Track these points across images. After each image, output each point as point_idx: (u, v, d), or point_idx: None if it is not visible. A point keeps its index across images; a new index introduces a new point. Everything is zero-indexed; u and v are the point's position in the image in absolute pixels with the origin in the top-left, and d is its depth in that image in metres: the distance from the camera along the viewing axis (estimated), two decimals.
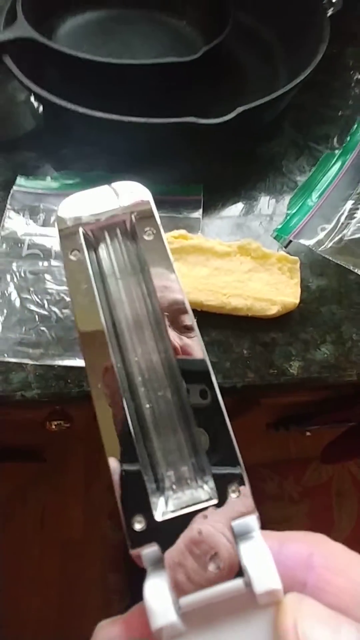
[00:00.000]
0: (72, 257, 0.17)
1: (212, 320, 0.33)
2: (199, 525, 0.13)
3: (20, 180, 0.41)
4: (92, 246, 0.18)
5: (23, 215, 0.39)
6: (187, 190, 0.39)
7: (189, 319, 0.16)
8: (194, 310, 0.18)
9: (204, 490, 0.14)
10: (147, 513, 0.14)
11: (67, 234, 0.17)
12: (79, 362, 0.32)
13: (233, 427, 0.15)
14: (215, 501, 0.14)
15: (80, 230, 0.17)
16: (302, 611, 0.12)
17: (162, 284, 0.17)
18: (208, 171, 0.40)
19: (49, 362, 0.32)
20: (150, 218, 0.18)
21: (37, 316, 0.34)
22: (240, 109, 0.34)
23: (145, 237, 0.17)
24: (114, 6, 0.49)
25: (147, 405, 0.16)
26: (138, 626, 0.13)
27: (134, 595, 0.72)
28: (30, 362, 0.32)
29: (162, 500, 0.14)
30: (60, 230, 0.17)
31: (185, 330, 0.16)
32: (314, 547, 0.14)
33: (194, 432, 0.15)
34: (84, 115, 0.35)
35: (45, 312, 0.34)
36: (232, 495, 0.14)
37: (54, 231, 0.38)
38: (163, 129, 0.34)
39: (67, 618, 0.76)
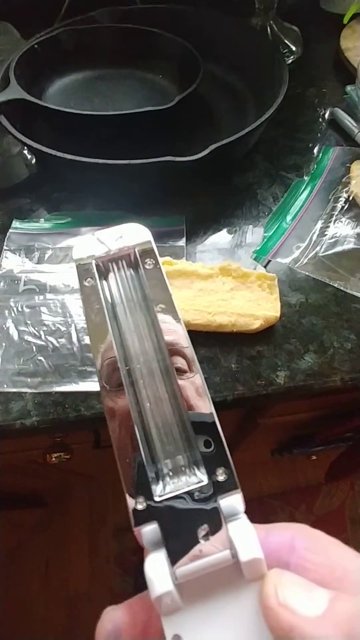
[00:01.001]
0: (86, 284, 0.20)
1: (200, 339, 0.35)
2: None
3: (15, 223, 0.44)
4: (103, 275, 0.21)
5: (19, 255, 0.42)
6: (170, 222, 0.42)
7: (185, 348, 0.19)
8: None
9: (197, 477, 0.16)
10: (148, 495, 0.15)
11: (82, 265, 0.21)
12: (76, 387, 0.33)
13: (237, 459, 0.17)
14: (205, 481, 0.16)
15: (93, 262, 0.21)
16: (282, 580, 0.13)
17: (162, 319, 0.19)
18: (189, 203, 0.43)
19: (46, 389, 0.33)
20: (150, 252, 0.21)
21: (34, 347, 0.36)
22: (212, 147, 0.38)
23: (147, 267, 0.21)
24: (96, 67, 0.55)
25: (148, 404, 0.18)
26: (140, 609, 0.15)
27: None
28: (28, 390, 0.33)
29: (160, 485, 0.16)
30: (76, 262, 0.21)
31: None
32: (296, 532, 0.15)
33: (189, 428, 0.17)
34: (72, 162, 0.39)
35: (42, 342, 0.36)
36: (220, 478, 0.16)
37: (48, 267, 0.40)
38: (144, 168, 0.38)
39: None
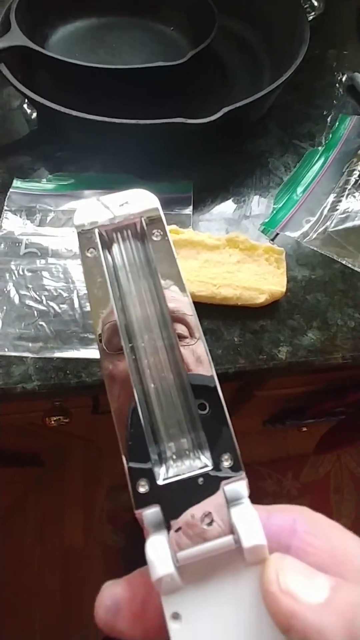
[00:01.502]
0: (88, 254, 0.19)
1: (203, 311, 0.34)
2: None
3: (16, 182, 0.42)
4: (106, 245, 0.20)
5: (20, 216, 0.40)
6: (177, 189, 0.41)
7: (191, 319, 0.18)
8: None
9: (201, 461, 0.16)
10: (150, 478, 0.15)
11: (84, 234, 0.19)
12: (77, 354, 0.33)
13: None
14: (209, 467, 0.15)
15: (96, 230, 0.19)
16: (284, 565, 0.13)
17: (169, 293, 0.18)
18: (197, 169, 0.42)
19: (48, 354, 0.33)
20: (158, 222, 0.19)
21: (35, 312, 0.35)
22: (225, 109, 0.36)
23: (154, 238, 0.19)
24: (104, 15, 0.51)
25: (152, 385, 0.17)
26: (139, 585, 0.15)
27: None
28: (30, 355, 0.33)
29: (163, 468, 0.16)
30: (78, 230, 0.19)
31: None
32: (297, 515, 0.15)
33: (194, 410, 0.17)
34: (77, 119, 0.37)
35: (44, 308, 0.35)
36: (225, 464, 0.15)
37: (50, 231, 0.39)
38: (153, 129, 0.36)
39: (69, 628, 0.76)
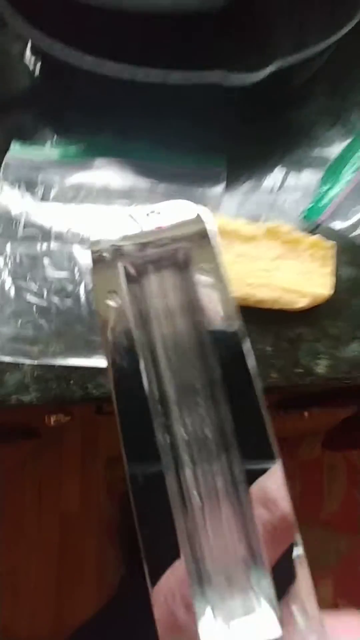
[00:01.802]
0: (110, 303, 0.13)
1: None
2: None
3: (15, 146, 0.36)
4: (134, 281, 0.14)
5: (18, 189, 0.34)
6: (207, 162, 0.34)
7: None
8: None
9: (258, 599, 0.12)
10: None
11: (102, 269, 0.14)
12: (83, 362, 0.28)
13: None
14: (278, 633, 0.11)
15: (120, 265, 0.14)
16: None
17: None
18: (231, 140, 0.35)
19: (48, 361, 0.28)
20: (207, 251, 0.14)
21: (34, 307, 0.30)
22: (278, 64, 0.29)
23: (202, 277, 0.14)
24: None
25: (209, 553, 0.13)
26: None
27: (128, 566, 0.73)
28: (27, 361, 0.28)
29: (208, 609, 0.12)
30: (94, 262, 0.14)
31: None
32: None
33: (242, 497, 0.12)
34: (88, 74, 0.30)
35: (44, 303, 0.30)
36: (300, 621, 0.11)
37: (54, 208, 0.33)
38: (184, 86, 0.29)
39: (64, 586, 0.79)
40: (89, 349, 0.29)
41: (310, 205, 0.33)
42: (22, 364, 0.28)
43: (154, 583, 0.12)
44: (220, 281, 0.14)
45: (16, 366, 0.28)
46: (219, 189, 0.33)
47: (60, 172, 0.35)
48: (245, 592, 0.12)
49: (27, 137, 0.36)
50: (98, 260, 0.14)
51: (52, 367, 0.28)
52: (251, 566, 0.13)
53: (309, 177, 0.34)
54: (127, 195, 0.34)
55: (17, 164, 0.35)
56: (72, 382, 0.28)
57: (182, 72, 0.28)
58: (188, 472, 0.13)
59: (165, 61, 0.29)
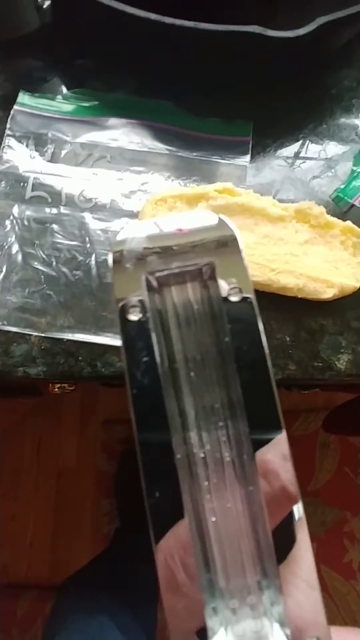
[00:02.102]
0: (131, 317, 0.13)
1: None
2: None
3: (23, 97, 0.32)
4: (154, 295, 0.14)
5: (27, 146, 0.31)
6: (233, 129, 0.31)
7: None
8: None
9: (270, 622, 0.12)
10: (201, 634, 0.12)
11: (125, 281, 0.13)
12: (92, 338, 0.27)
13: None
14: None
15: (144, 278, 0.14)
16: None
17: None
18: (260, 106, 0.32)
19: (56, 334, 0.27)
20: (237, 269, 0.14)
21: (42, 276, 0.28)
22: (320, 20, 0.26)
23: (231, 298, 0.14)
24: None
25: (213, 519, 0.13)
26: None
27: (123, 519, 0.75)
28: (34, 333, 0.27)
29: (222, 631, 0.12)
30: (115, 273, 0.14)
31: None
32: None
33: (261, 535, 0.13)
34: (110, 10, 0.26)
35: (53, 273, 0.28)
36: (300, 586, 0.12)
37: (65, 169, 0.31)
38: (216, 39, 0.26)
39: (61, 535, 0.82)
40: (99, 325, 0.27)
41: (343, 186, 0.30)
42: (30, 336, 0.27)
43: (157, 540, 0.13)
44: (249, 302, 0.14)
45: (23, 337, 0.27)
46: (244, 159, 0.31)
47: (71, 129, 0.32)
48: (258, 611, 0.12)
49: (36, 87, 0.33)
50: (119, 270, 0.14)
51: (61, 340, 0.27)
52: (263, 583, 0.13)
53: (343, 153, 0.32)
54: (143, 162, 0.31)
55: (25, 117, 0.32)
56: (80, 358, 0.27)
57: (214, 24, 0.25)
58: (194, 439, 0.14)
59: (184, 11, 0.26)
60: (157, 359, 0.13)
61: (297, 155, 0.32)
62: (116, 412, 0.86)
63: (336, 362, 0.27)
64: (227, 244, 0.14)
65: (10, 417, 0.88)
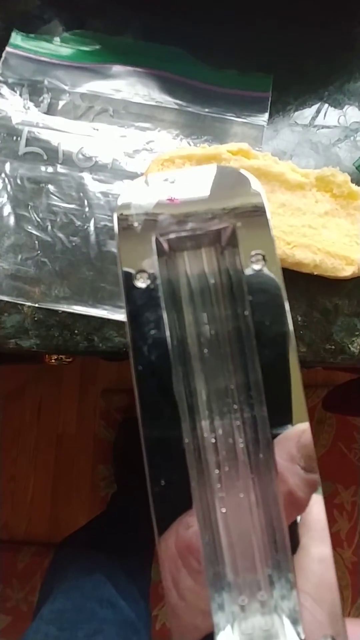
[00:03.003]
0: (138, 284, 0.11)
1: None
2: None
3: (16, 37, 0.29)
4: (165, 260, 0.12)
5: (20, 95, 0.28)
6: (250, 82, 0.28)
7: None
8: None
9: (280, 619, 0.11)
10: None
11: (132, 243, 0.12)
12: (89, 311, 0.25)
13: None
14: None
15: (154, 239, 0.12)
16: None
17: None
18: (281, 58, 0.28)
19: (51, 305, 0.25)
20: (262, 233, 0.12)
21: (37, 242, 0.26)
22: None
23: (253, 266, 0.12)
24: None
25: (223, 510, 0.12)
26: None
27: (119, 483, 0.76)
28: (27, 302, 0.25)
29: (228, 628, 0.11)
30: (121, 234, 0.12)
31: None
32: None
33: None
34: None
35: (48, 238, 0.26)
36: (312, 551, 0.11)
37: (62, 123, 0.28)
38: None
39: (60, 496, 0.84)
40: (97, 297, 0.25)
41: None
42: (22, 306, 0.25)
43: (161, 532, 0.11)
44: (275, 270, 0.12)
45: (15, 306, 0.25)
46: (262, 118, 0.28)
47: (70, 77, 0.28)
48: (268, 607, 0.11)
49: (31, 28, 0.29)
50: (126, 230, 0.12)
51: (55, 312, 0.25)
52: (274, 576, 0.12)
53: None
54: (149, 117, 0.28)
55: (18, 61, 0.29)
56: (76, 331, 0.25)
57: None
58: (205, 423, 0.12)
59: None
60: (167, 332, 0.12)
61: (318, 115, 0.28)
62: (115, 382, 0.86)
63: (350, 346, 0.26)
64: (251, 208, 0.12)
65: (11, 383, 0.88)
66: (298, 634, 0.11)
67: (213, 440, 0.12)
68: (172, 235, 0.12)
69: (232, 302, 0.12)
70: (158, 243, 0.12)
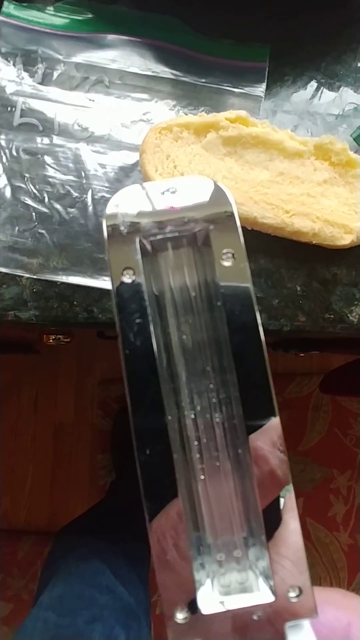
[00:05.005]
0: (125, 279, 0.13)
1: (263, 243, 0.25)
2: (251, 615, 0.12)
3: (8, 6, 0.28)
4: (149, 260, 0.14)
5: (14, 65, 0.28)
6: (247, 53, 0.28)
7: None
8: (243, 229, 0.14)
9: (255, 574, 0.13)
10: (192, 607, 0.12)
11: (119, 244, 0.14)
12: (88, 281, 0.25)
13: None
14: (271, 599, 0.12)
15: (137, 241, 0.14)
16: None
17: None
18: (278, 29, 0.28)
19: (49, 276, 0.25)
20: (231, 235, 0.14)
21: (34, 214, 0.26)
22: None
23: (224, 263, 0.14)
24: None
25: (202, 477, 0.14)
26: None
27: (118, 472, 0.77)
28: (25, 274, 0.25)
29: (208, 583, 0.13)
30: (109, 238, 0.14)
31: None
32: (352, 617, 0.14)
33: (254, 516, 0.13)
34: None
35: (45, 210, 0.26)
36: (292, 596, 0.12)
37: (57, 93, 0.27)
38: None
39: (59, 486, 0.85)
40: (95, 268, 0.25)
41: None
42: (21, 277, 0.25)
43: (151, 518, 0.13)
44: (242, 267, 0.14)
45: (14, 278, 0.25)
46: (259, 89, 0.27)
47: (64, 46, 0.28)
48: (243, 565, 0.13)
49: None
50: (113, 234, 0.14)
51: (54, 283, 0.25)
52: (249, 540, 0.13)
53: None
54: (146, 88, 0.28)
55: (11, 30, 0.28)
56: (75, 302, 0.25)
57: None
58: (185, 400, 0.14)
59: None
60: (150, 320, 0.13)
61: (316, 86, 0.28)
62: (112, 372, 0.86)
63: (348, 315, 0.26)
64: (223, 217, 0.14)
65: (7, 375, 0.88)
66: (270, 587, 0.12)
67: (193, 416, 0.14)
68: (154, 238, 0.14)
69: (208, 294, 0.14)
70: (142, 244, 0.14)
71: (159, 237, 0.14)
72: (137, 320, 0.13)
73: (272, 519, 0.13)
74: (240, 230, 0.14)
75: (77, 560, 0.43)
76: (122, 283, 0.14)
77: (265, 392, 0.13)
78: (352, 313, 0.26)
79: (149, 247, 0.14)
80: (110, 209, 0.14)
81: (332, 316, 0.26)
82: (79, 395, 0.87)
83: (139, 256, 0.14)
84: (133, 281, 0.14)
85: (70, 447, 0.86)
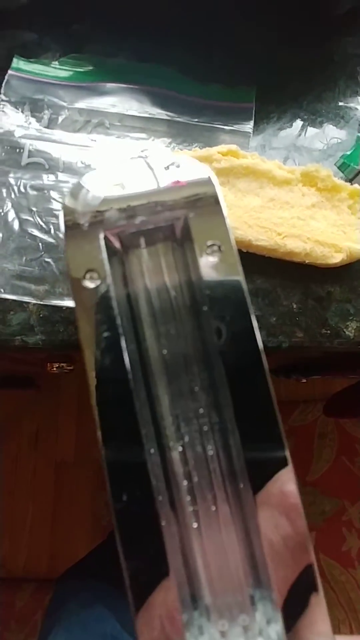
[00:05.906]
0: (87, 284, 0.11)
1: (258, 265, 0.27)
2: None
3: (18, 62, 0.31)
4: (118, 259, 0.11)
5: (22, 111, 0.30)
6: (235, 95, 0.30)
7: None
8: (239, 251, 0.12)
9: None
10: None
11: (78, 240, 0.11)
12: None
13: None
14: None
15: (102, 236, 0.11)
16: None
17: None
18: (263, 72, 0.31)
19: (55, 302, 0.26)
20: (216, 223, 0.11)
21: (40, 244, 0.27)
22: None
23: (209, 258, 0.11)
24: None
25: (195, 525, 0.11)
26: None
27: None
28: (32, 300, 0.26)
29: None
30: (67, 230, 0.11)
31: None
32: None
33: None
34: None
35: (51, 240, 0.27)
36: None
37: (62, 135, 0.30)
38: None
39: (60, 528, 0.82)
40: None
41: (349, 152, 0.30)
42: (28, 304, 0.26)
43: (138, 608, 0.10)
44: (231, 257, 0.11)
45: (21, 305, 0.26)
46: (248, 126, 0.30)
47: (68, 95, 0.31)
48: (252, 633, 0.10)
49: (31, 53, 0.32)
50: (72, 228, 0.11)
51: (60, 308, 0.26)
52: (256, 596, 0.10)
53: (349, 120, 0.31)
54: (143, 128, 0.30)
55: (20, 82, 0.31)
56: None
57: None
58: (170, 429, 0.11)
59: None
60: (121, 334, 0.11)
61: (300, 123, 0.31)
62: None
63: (344, 330, 0.27)
64: (205, 201, 0.11)
65: (7, 410, 0.87)
66: None
67: (180, 449, 0.11)
68: (121, 232, 0.11)
69: (192, 298, 0.11)
70: (107, 240, 0.11)
71: (128, 230, 0.11)
72: (105, 334, 0.11)
73: (298, 600, 0.10)
74: (226, 216, 0.11)
75: (78, 605, 0.41)
76: (84, 288, 0.11)
77: (267, 412, 0.10)
78: (348, 328, 0.27)
79: (117, 244, 0.11)
80: (68, 199, 0.11)
81: (328, 331, 0.27)
82: (80, 430, 0.86)
83: (104, 255, 0.11)
84: (97, 286, 0.11)
85: (71, 485, 0.83)
